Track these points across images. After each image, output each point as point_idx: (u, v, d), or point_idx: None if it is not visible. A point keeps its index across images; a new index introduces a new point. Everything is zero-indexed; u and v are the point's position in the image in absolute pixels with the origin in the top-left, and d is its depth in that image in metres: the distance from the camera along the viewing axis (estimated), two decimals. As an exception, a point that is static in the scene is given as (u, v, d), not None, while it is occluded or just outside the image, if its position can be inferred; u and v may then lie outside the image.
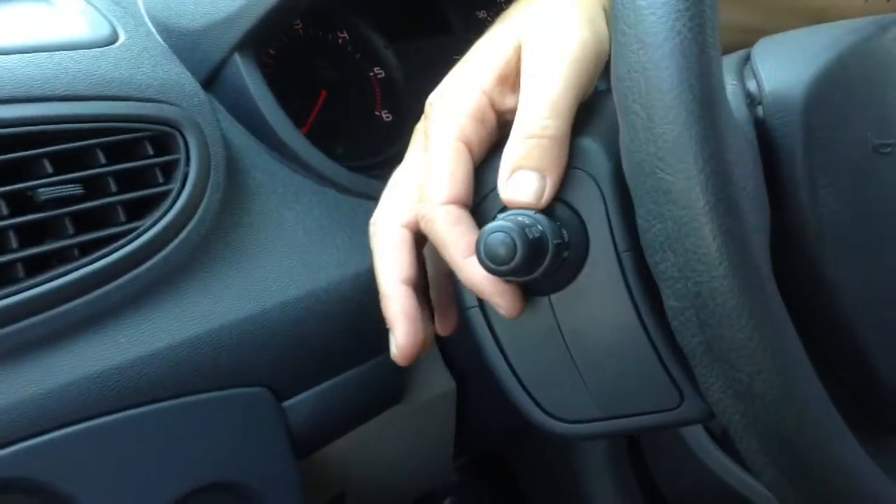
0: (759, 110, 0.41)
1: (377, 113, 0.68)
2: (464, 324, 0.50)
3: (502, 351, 0.48)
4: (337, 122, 0.64)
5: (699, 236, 0.33)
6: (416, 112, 0.68)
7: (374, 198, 0.56)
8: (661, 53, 0.33)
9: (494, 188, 0.47)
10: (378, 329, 0.54)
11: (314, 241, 0.51)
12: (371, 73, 0.68)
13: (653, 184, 0.34)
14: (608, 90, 0.58)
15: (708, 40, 0.34)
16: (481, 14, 0.77)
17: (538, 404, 0.48)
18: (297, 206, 0.52)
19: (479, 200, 0.47)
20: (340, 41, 0.67)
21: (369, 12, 0.69)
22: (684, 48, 0.33)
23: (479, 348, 0.49)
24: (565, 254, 0.44)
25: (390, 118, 0.68)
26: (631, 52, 0.34)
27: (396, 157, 0.68)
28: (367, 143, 0.66)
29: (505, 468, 0.95)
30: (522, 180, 0.43)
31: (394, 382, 0.55)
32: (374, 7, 0.70)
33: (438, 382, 0.59)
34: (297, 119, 0.62)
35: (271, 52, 0.61)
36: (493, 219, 0.46)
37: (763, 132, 0.40)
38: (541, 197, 0.43)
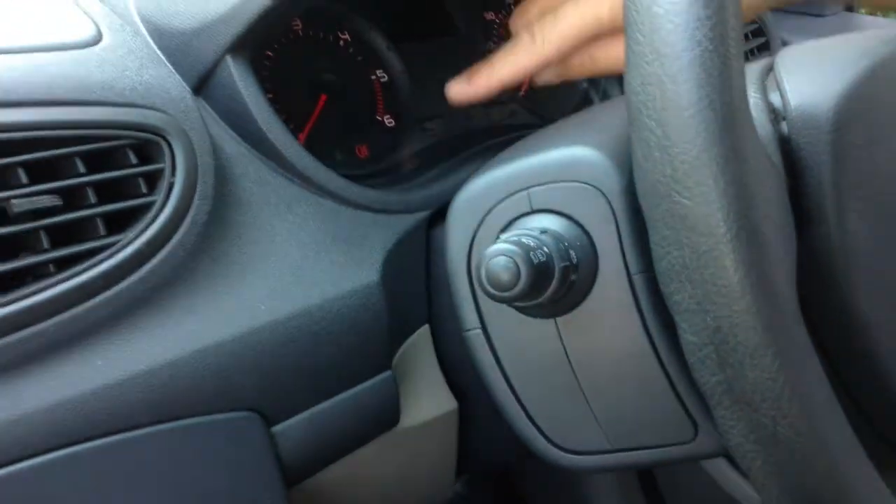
0: (784, 126, 0.38)
1: (378, 118, 0.65)
2: (465, 344, 0.47)
3: (505, 376, 0.46)
4: (336, 127, 0.62)
5: (719, 267, 0.30)
6: (418, 117, 0.66)
7: (372, 209, 0.54)
8: (680, 65, 0.31)
9: (494, 206, 0.44)
10: (373, 349, 0.51)
11: (308, 256, 0.49)
12: (373, 77, 0.65)
13: (668, 208, 0.31)
14: (618, 97, 0.55)
15: (731, 52, 0.31)
16: (489, 16, 0.74)
17: (543, 434, 0.45)
18: (291, 217, 0.49)
19: (481, 218, 0.45)
20: (342, 42, 0.64)
21: (372, 12, 0.66)
22: (705, 60, 0.31)
23: (481, 373, 0.46)
24: (573, 276, 0.41)
25: (392, 123, 0.65)
26: (646, 62, 0.32)
27: (398, 165, 0.66)
28: (368, 150, 0.63)
29: (510, 480, 0.93)
30: None
31: (390, 405, 0.52)
32: (378, 7, 0.67)
33: (439, 402, 0.56)
34: (295, 124, 0.59)
35: (269, 53, 0.58)
36: (496, 239, 0.44)
37: (787, 150, 0.37)
38: None
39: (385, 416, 0.52)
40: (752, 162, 0.31)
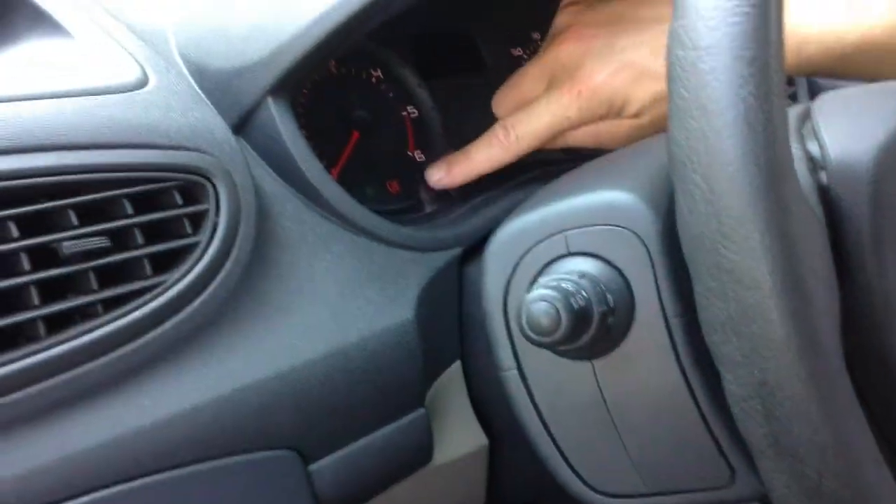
0: (823, 176, 0.38)
1: (409, 153, 0.66)
2: (498, 382, 0.47)
3: (541, 417, 0.46)
4: (367, 163, 0.62)
5: (766, 320, 0.31)
6: (449, 152, 0.67)
7: (406, 246, 0.54)
8: (724, 121, 0.31)
9: (531, 248, 0.45)
10: (407, 387, 0.52)
11: (344, 294, 0.49)
12: (404, 113, 0.66)
13: (714, 260, 0.32)
14: (650, 139, 0.56)
15: (774, 108, 0.32)
16: (516, 52, 0.75)
17: (578, 475, 0.45)
18: (328, 256, 0.50)
19: (517, 260, 0.45)
20: (373, 79, 0.65)
21: (403, 50, 0.67)
22: (749, 117, 0.31)
23: (516, 413, 0.47)
24: (610, 320, 0.42)
25: (423, 159, 0.66)
26: (691, 117, 0.32)
27: (428, 201, 0.67)
28: (399, 185, 0.64)
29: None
30: None
31: (424, 442, 0.53)
32: (408, 44, 0.68)
33: (470, 439, 0.57)
34: (328, 160, 0.60)
35: (303, 91, 0.59)
36: (533, 282, 0.44)
37: (827, 200, 0.38)
38: None
39: (418, 453, 0.53)
40: (797, 215, 0.31)
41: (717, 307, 0.32)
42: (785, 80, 0.32)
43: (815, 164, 0.39)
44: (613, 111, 0.59)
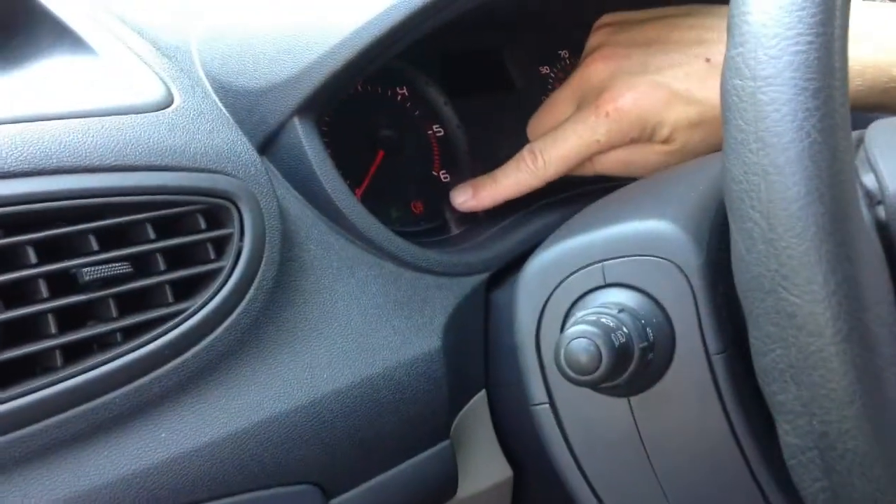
0: (881, 211, 0.36)
1: (435, 173, 0.64)
2: (526, 412, 0.46)
3: (573, 453, 0.44)
4: (392, 183, 0.61)
5: (828, 369, 0.29)
6: (475, 173, 0.65)
7: (432, 271, 0.53)
8: (787, 157, 0.30)
9: (566, 278, 0.43)
10: (433, 418, 0.50)
11: (369, 322, 0.48)
12: (429, 132, 0.65)
13: (773, 304, 0.30)
14: (691, 164, 0.54)
15: (840, 143, 0.30)
16: (544, 70, 0.74)
17: (609, 512, 0.44)
18: (353, 281, 0.49)
19: (551, 290, 0.43)
20: (399, 97, 0.64)
21: (429, 67, 0.66)
22: (814, 153, 0.29)
23: (547, 449, 0.45)
24: (650, 356, 0.40)
25: (448, 179, 0.64)
26: (749, 151, 0.31)
27: (451, 223, 0.65)
28: (423, 206, 0.62)
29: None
30: None
31: (448, 475, 0.51)
32: (435, 62, 0.66)
33: (495, 470, 0.55)
34: (352, 179, 0.59)
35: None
36: (568, 314, 0.43)
37: (886, 237, 0.36)
38: None
39: (443, 486, 0.51)
40: (862, 257, 0.30)
41: (776, 354, 0.30)
42: (849, 114, 0.31)
43: (871, 199, 0.37)
44: (645, 135, 0.57)
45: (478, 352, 0.54)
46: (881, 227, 0.36)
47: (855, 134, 0.42)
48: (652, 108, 0.56)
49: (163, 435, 0.39)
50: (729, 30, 0.32)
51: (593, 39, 0.61)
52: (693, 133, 0.57)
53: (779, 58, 0.30)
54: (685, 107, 0.56)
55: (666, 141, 0.57)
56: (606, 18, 0.62)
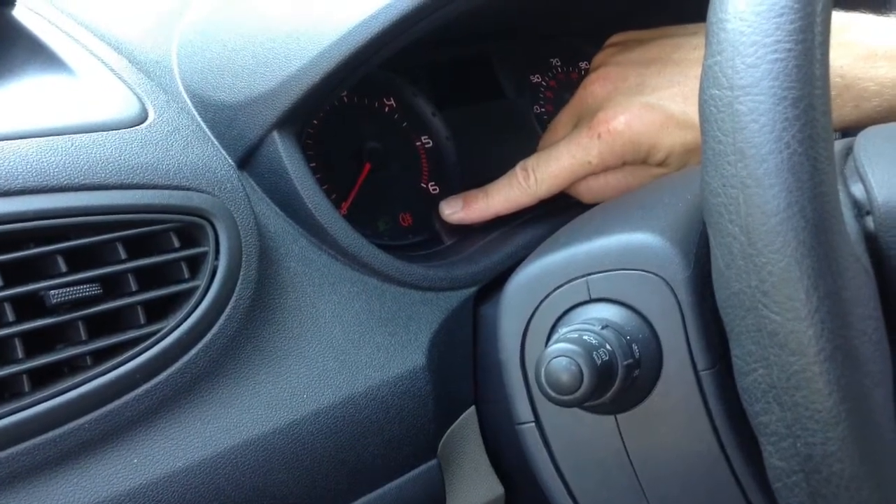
0: (869, 222, 0.35)
1: (423, 185, 0.63)
2: (514, 433, 0.45)
3: (560, 473, 0.43)
4: (380, 195, 0.60)
5: (812, 390, 0.28)
6: (464, 185, 0.64)
7: (418, 287, 0.52)
8: (766, 169, 0.28)
9: (550, 293, 0.42)
10: (419, 437, 0.49)
11: (352, 339, 0.47)
12: (418, 143, 0.64)
13: (754, 322, 0.29)
14: (675, 175, 0.53)
15: (821, 154, 0.29)
16: (535, 79, 0.73)
17: (598, 533, 0.42)
18: (335, 298, 0.47)
19: (535, 306, 0.42)
20: (386, 108, 0.63)
21: (417, 77, 0.65)
22: (794, 164, 0.28)
23: (534, 468, 0.44)
24: (635, 373, 0.39)
25: (437, 191, 0.63)
26: (727, 163, 0.29)
27: (442, 234, 0.64)
28: (412, 219, 0.61)
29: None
30: None
31: (436, 495, 0.50)
32: (423, 72, 0.66)
33: (485, 489, 0.54)
34: (338, 193, 0.58)
35: (313, 120, 0.57)
36: (552, 330, 0.41)
37: (874, 249, 0.35)
38: None
39: (430, 507, 0.50)
40: (846, 272, 0.28)
41: (758, 373, 0.29)
42: (831, 123, 0.29)
43: (860, 209, 0.36)
44: (639, 157, 0.56)
45: (466, 368, 0.53)
46: (869, 239, 0.35)
47: (844, 142, 0.41)
48: (645, 130, 0.55)
49: (135, 461, 0.38)
50: (706, 38, 0.31)
51: (596, 59, 0.60)
52: (690, 157, 0.55)
53: (757, 66, 0.29)
54: (681, 131, 0.54)
55: (661, 164, 0.56)
56: (614, 38, 0.61)
